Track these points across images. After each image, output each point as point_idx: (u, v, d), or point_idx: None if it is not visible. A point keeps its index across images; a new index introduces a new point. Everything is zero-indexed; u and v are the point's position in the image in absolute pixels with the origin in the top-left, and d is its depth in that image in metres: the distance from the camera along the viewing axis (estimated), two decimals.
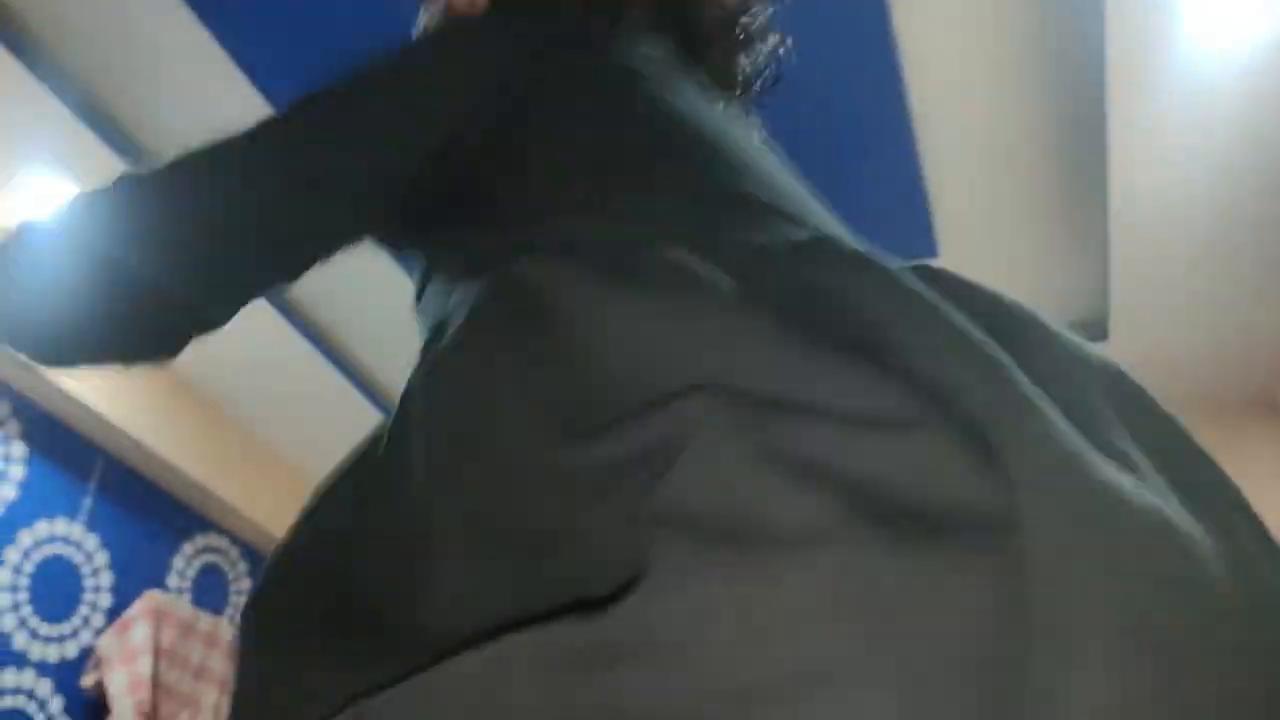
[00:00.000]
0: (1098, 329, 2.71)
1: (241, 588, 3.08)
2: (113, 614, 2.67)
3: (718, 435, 0.39)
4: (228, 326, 0.59)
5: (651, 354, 0.42)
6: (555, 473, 0.40)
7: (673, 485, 0.38)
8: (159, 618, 2.61)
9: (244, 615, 0.49)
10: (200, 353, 2.31)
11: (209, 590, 2.97)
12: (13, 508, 2.50)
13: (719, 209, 0.55)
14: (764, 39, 0.79)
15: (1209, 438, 0.48)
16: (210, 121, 0.56)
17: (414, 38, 0.68)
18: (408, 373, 0.49)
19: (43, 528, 2.57)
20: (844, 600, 0.36)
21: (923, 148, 2.31)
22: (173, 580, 2.86)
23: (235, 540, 3.09)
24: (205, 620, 2.79)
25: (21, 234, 0.52)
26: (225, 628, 2.81)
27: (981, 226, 2.55)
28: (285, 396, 2.92)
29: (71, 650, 2.58)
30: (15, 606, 2.46)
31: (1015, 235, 2.57)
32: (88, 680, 2.58)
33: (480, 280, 0.48)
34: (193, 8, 2.01)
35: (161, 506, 2.86)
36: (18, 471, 2.53)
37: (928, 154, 2.33)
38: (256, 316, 2.62)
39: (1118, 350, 2.73)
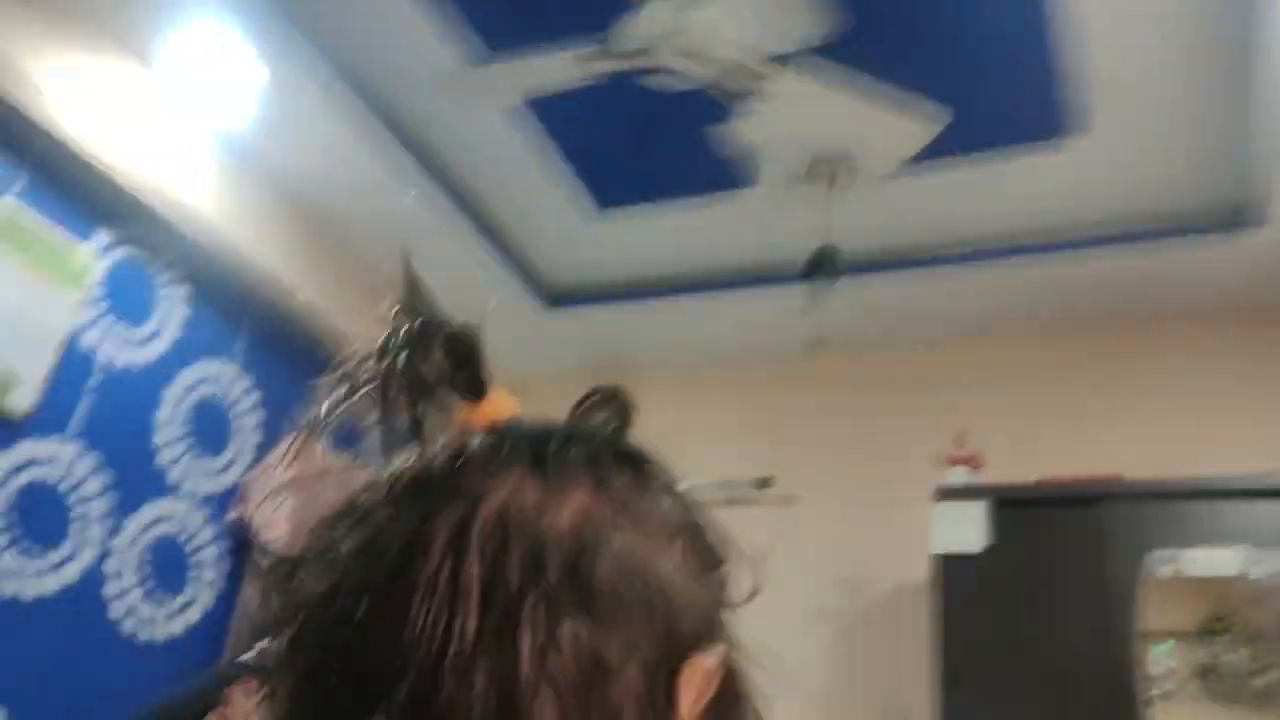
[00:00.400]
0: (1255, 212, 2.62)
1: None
2: (261, 451, 2.89)
3: None
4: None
5: None
6: None
7: None
8: (302, 457, 2.80)
9: None
10: (353, 215, 2.44)
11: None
12: (175, 348, 2.69)
13: None
14: None
15: None
16: None
17: None
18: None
19: (200, 368, 2.78)
20: None
21: (1072, 18, 2.24)
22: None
23: None
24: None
25: None
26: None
27: (1126, 104, 2.47)
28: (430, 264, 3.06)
29: (223, 484, 2.80)
30: (174, 441, 2.68)
31: (1163, 112, 2.49)
32: (235, 513, 2.81)
33: None
34: None
35: (310, 351, 3.03)
36: (181, 313, 2.73)
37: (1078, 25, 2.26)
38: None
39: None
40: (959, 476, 2.63)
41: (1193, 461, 2.63)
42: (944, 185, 2.74)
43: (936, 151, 2.49)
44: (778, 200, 2.75)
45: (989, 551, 2.54)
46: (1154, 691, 2.76)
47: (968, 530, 2.55)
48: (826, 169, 2.57)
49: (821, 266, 2.50)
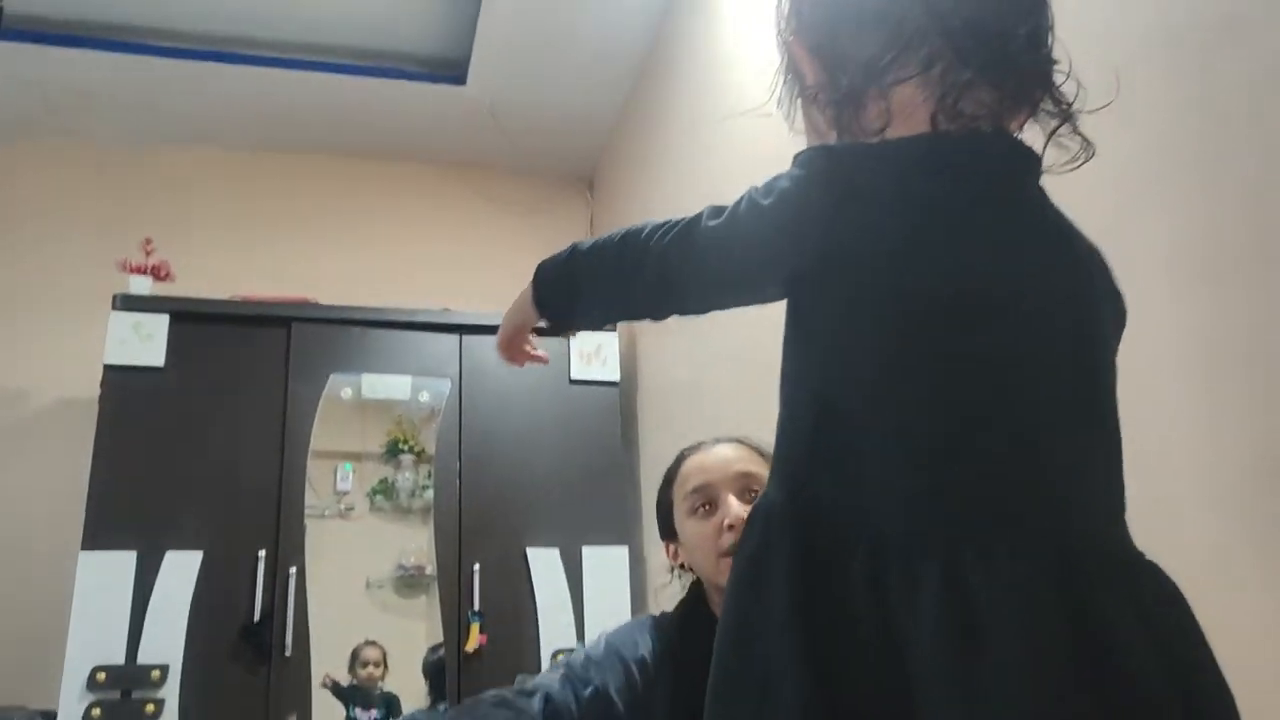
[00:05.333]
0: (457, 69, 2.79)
1: None
2: None
3: None
4: None
5: None
6: None
7: None
8: None
9: None
10: None
11: None
12: None
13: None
14: None
15: None
16: None
17: None
18: None
19: None
20: None
21: None
22: None
23: None
24: None
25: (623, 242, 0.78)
26: None
27: None
28: None
29: None
30: None
31: None
32: None
33: None
34: None
35: None
36: None
37: None
38: None
39: None
40: (142, 286, 2.47)
41: (379, 294, 2.80)
42: None
43: None
44: None
45: (169, 366, 2.45)
46: (340, 507, 2.95)
47: (146, 343, 2.42)
48: None
49: None
